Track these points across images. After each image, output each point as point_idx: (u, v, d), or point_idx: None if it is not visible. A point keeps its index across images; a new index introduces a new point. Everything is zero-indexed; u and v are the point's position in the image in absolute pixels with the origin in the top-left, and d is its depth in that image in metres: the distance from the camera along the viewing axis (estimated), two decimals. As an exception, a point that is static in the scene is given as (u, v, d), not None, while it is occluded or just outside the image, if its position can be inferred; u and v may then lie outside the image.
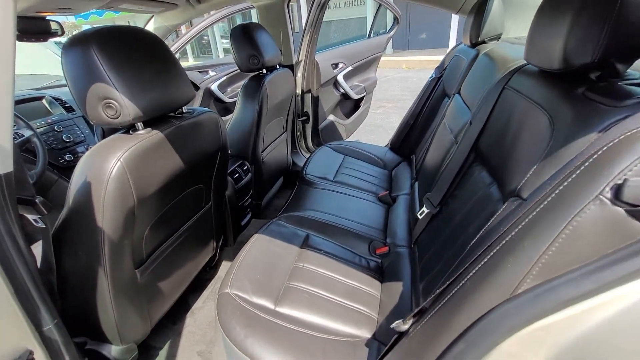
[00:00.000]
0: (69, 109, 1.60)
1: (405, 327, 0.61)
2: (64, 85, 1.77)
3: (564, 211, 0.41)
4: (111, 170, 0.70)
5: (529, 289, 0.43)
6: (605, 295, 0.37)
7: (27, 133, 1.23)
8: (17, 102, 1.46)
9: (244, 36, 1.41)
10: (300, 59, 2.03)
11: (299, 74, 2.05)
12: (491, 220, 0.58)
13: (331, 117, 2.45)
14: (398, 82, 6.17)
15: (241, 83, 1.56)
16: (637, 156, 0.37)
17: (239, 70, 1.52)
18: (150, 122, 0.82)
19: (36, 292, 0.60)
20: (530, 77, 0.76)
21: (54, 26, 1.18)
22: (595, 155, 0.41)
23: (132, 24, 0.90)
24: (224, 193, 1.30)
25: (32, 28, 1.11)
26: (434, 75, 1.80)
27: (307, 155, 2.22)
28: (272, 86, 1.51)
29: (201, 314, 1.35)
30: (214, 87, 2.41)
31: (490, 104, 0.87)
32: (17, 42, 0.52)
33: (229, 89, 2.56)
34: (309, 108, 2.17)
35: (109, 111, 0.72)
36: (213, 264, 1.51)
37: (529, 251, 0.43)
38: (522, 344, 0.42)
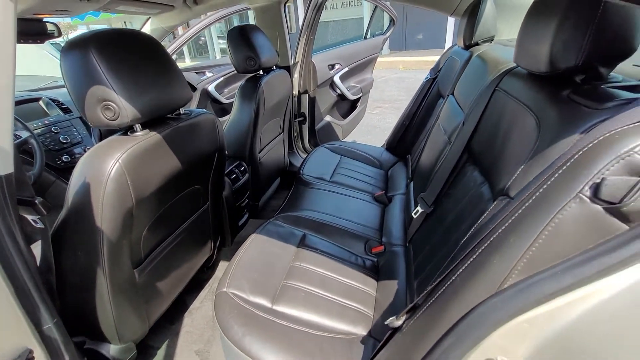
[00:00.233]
0: (66, 110, 1.60)
1: (398, 323, 0.63)
2: (61, 87, 1.77)
3: (547, 209, 0.43)
4: (110, 171, 0.71)
5: (514, 284, 0.44)
6: (585, 288, 0.39)
7: (24, 134, 1.23)
8: (15, 104, 1.45)
9: (240, 38, 1.42)
10: (297, 60, 2.04)
11: (296, 75, 2.06)
12: (481, 219, 0.59)
13: (328, 118, 2.46)
14: (395, 82, 6.19)
15: (238, 84, 1.57)
16: (615, 156, 0.39)
17: (236, 71, 1.53)
18: (148, 123, 0.83)
19: (36, 291, 0.61)
20: (519, 79, 0.78)
21: (50, 27, 1.18)
22: (577, 156, 0.42)
23: (128, 25, 0.91)
24: (221, 193, 1.31)
25: (30, 30, 1.12)
26: (429, 77, 1.82)
27: (304, 155, 2.24)
28: (268, 87, 1.52)
29: (199, 313, 1.36)
30: (211, 88, 2.42)
31: (482, 105, 0.88)
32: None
33: (226, 90, 2.57)
34: (305, 109, 2.18)
35: (107, 113, 0.73)
36: (210, 264, 1.52)
37: (514, 248, 0.45)
38: (507, 336, 0.44)
